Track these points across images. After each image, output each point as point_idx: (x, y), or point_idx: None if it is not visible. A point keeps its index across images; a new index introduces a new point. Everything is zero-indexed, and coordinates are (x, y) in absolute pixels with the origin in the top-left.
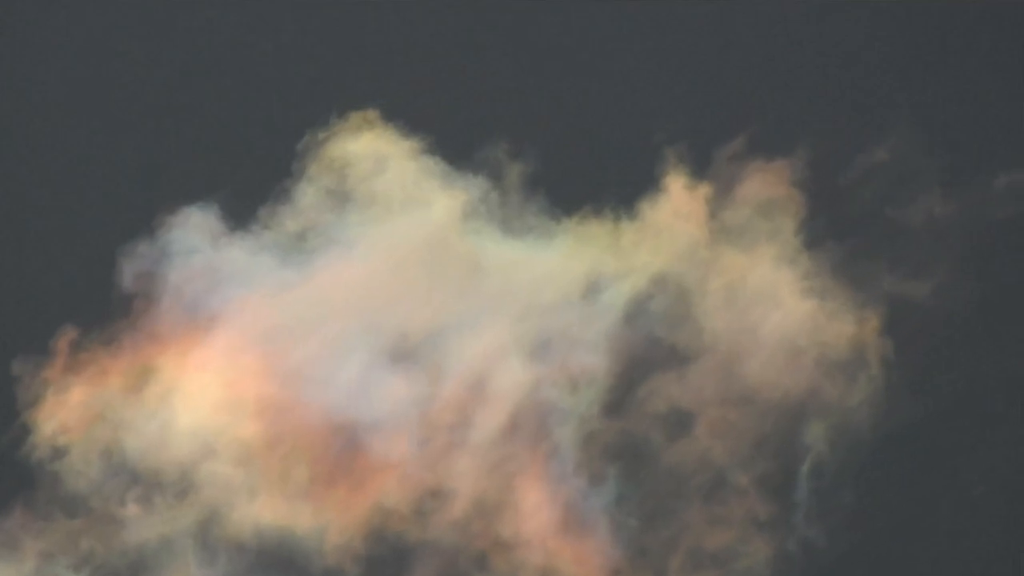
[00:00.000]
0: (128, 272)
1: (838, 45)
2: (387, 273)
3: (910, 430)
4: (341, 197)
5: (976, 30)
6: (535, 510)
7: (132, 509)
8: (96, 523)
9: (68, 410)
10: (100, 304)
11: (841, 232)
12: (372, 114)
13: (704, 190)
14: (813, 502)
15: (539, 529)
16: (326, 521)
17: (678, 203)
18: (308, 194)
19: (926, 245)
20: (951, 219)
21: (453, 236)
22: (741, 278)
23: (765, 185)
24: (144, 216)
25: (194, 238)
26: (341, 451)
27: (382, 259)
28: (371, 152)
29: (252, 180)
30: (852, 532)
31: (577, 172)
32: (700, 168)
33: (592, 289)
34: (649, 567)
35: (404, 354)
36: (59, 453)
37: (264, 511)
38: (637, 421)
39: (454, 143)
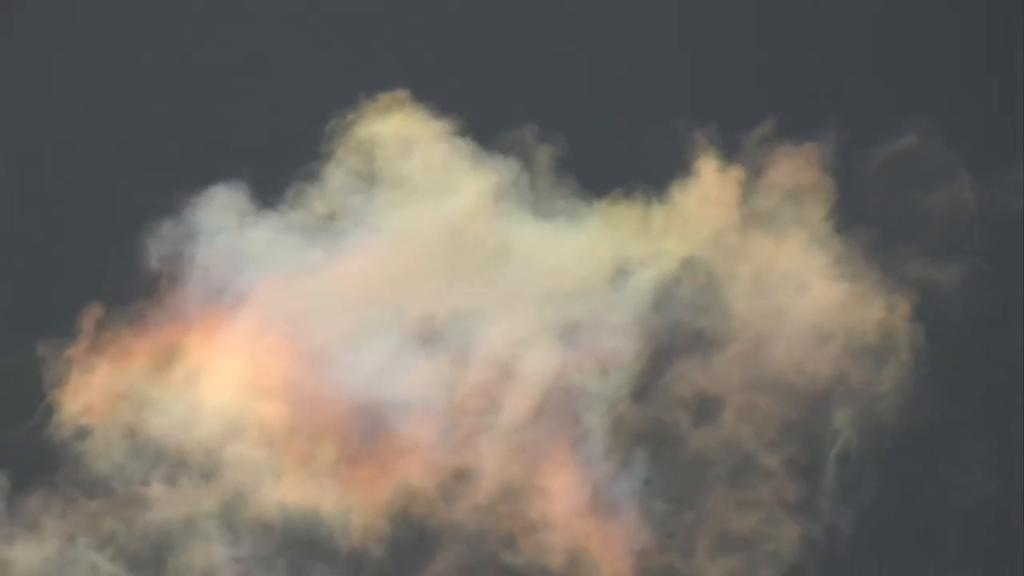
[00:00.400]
0: (154, 252)
1: (867, 28)
2: (415, 255)
3: (938, 418)
4: (369, 178)
5: (1006, 16)
6: (562, 493)
7: (156, 490)
8: (119, 504)
9: (92, 390)
10: (126, 284)
11: (870, 217)
12: (402, 95)
13: (736, 173)
14: (839, 488)
15: (566, 512)
16: (351, 502)
17: (709, 187)
18: (336, 175)
19: (953, 232)
20: (979, 205)
21: (482, 218)
22: (770, 263)
23: (794, 169)
24: (170, 195)
25: (220, 218)
26: (367, 433)
27: (410, 241)
28: (400, 133)
29: (280, 160)
30: (877, 519)
31: (607, 155)
32: (729, 152)
33: (621, 273)
34: (676, 550)
35: (431, 336)
36: (83, 433)
37: (289, 492)
38: (665, 405)
39: (484, 125)
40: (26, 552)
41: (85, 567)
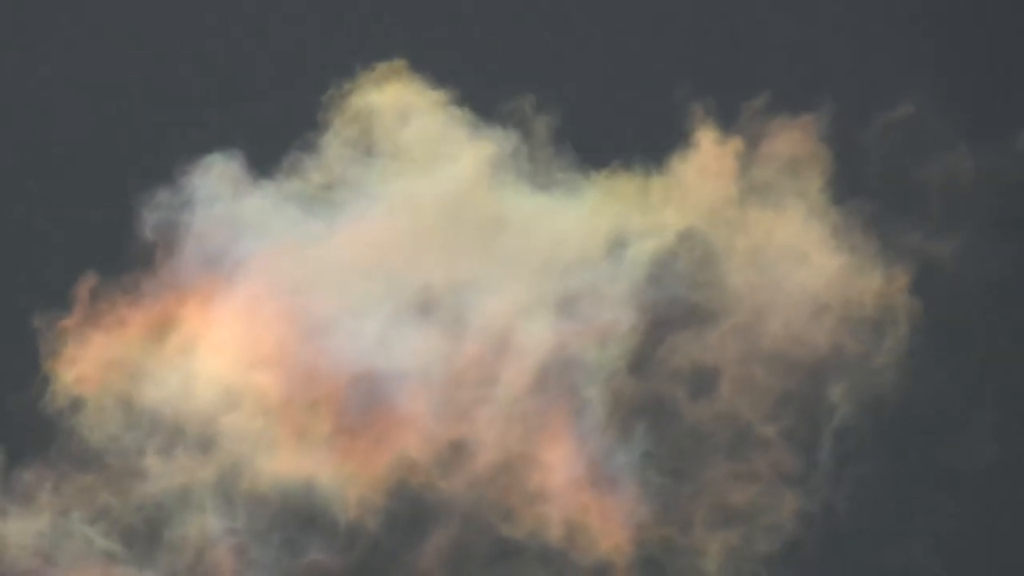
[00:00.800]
0: (149, 221)
1: None
2: (412, 226)
3: (936, 391)
4: (366, 149)
5: None
6: (560, 465)
7: (151, 462)
8: (113, 477)
9: (87, 361)
10: (120, 254)
11: (868, 189)
12: (399, 64)
13: (735, 145)
14: (836, 462)
15: (564, 484)
16: (347, 475)
17: (708, 159)
18: (333, 145)
19: (953, 202)
20: (978, 175)
21: (479, 189)
22: (768, 235)
23: (790, 141)
24: (165, 164)
25: (216, 187)
26: (363, 404)
27: (407, 212)
28: (397, 103)
29: (276, 130)
30: (874, 493)
31: (605, 126)
32: (727, 123)
33: (619, 244)
34: (674, 523)
35: (428, 307)
36: (77, 405)
37: (285, 464)
38: (662, 378)
39: (481, 95)
40: (19, 527)
41: (79, 541)
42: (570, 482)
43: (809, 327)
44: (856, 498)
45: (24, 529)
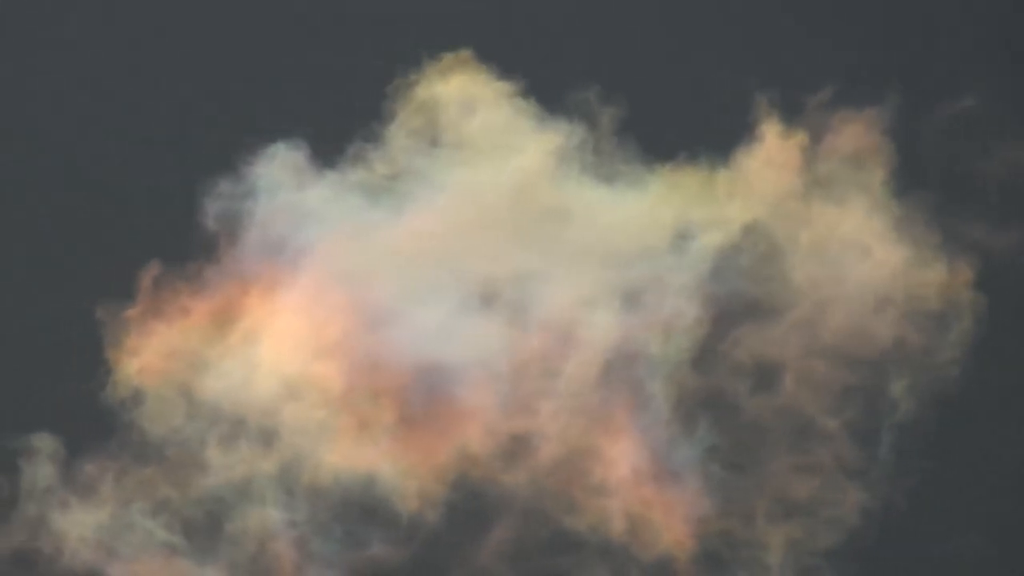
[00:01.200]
0: (212, 211)
1: None
2: (476, 217)
3: (998, 386)
4: (431, 139)
5: None
6: (622, 459)
7: (212, 453)
8: (174, 469)
9: (149, 351)
10: (184, 244)
11: (931, 182)
12: (465, 55)
13: (800, 139)
14: (895, 457)
15: (626, 478)
16: (409, 467)
17: (773, 152)
18: (398, 136)
19: (1015, 194)
20: None
21: (544, 181)
22: (831, 229)
23: (854, 135)
24: (229, 154)
25: (280, 176)
26: (425, 396)
27: (471, 202)
28: (462, 94)
29: (341, 120)
30: (935, 488)
31: (671, 119)
32: (791, 116)
33: (682, 237)
34: (736, 516)
35: (491, 299)
36: (139, 396)
37: (346, 456)
38: (724, 371)
39: (547, 86)
40: (80, 519)
41: (140, 534)
42: (632, 476)
43: (872, 321)
44: (916, 492)
45: (85, 521)
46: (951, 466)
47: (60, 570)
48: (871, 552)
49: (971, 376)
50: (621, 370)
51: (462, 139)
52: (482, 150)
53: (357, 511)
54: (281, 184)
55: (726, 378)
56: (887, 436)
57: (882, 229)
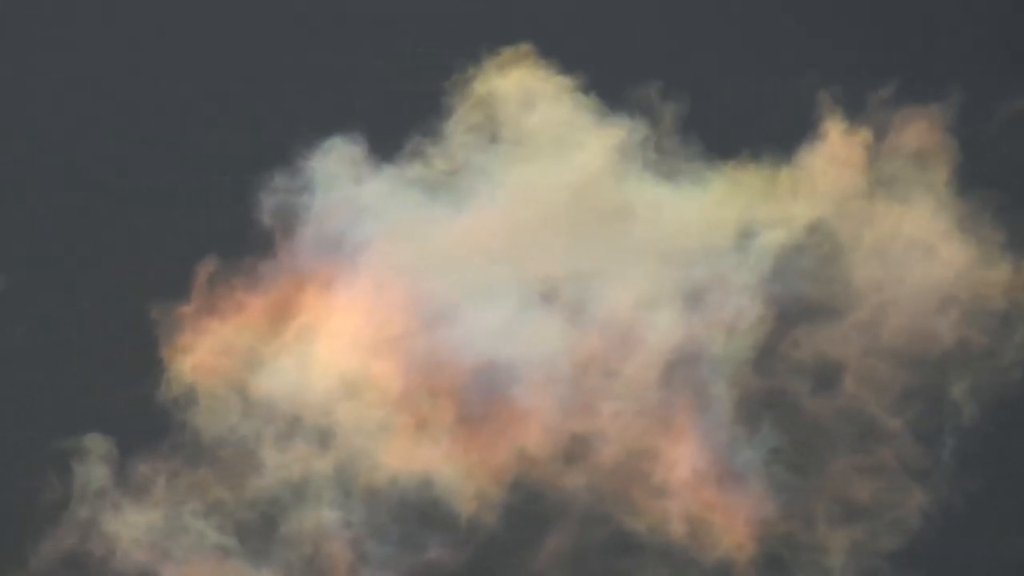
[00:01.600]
0: (268, 205)
1: None
2: (536, 214)
3: None
4: (490, 134)
5: None
6: (683, 460)
7: (267, 453)
8: (228, 469)
9: (203, 349)
10: (239, 239)
11: (995, 179)
12: (525, 49)
13: (863, 136)
14: (956, 461)
15: (687, 480)
16: (467, 468)
17: (836, 150)
18: (456, 131)
19: None
20: None
21: (605, 177)
22: (894, 227)
23: (917, 132)
24: (285, 148)
25: (337, 170)
26: (484, 396)
27: (531, 199)
28: (522, 89)
29: (399, 114)
30: (993, 495)
31: (733, 115)
32: (854, 113)
33: (745, 236)
34: (797, 518)
35: (552, 298)
36: (192, 394)
37: (403, 456)
38: (786, 371)
39: (608, 81)
40: (132, 520)
41: (192, 535)
42: (693, 477)
43: (935, 321)
44: (978, 494)
45: (137, 523)
46: (1013, 468)
47: (111, 573)
48: (933, 555)
49: None
50: (682, 370)
51: (522, 135)
52: (542, 146)
53: (414, 513)
54: (338, 178)
55: (787, 379)
56: (949, 438)
57: (946, 228)
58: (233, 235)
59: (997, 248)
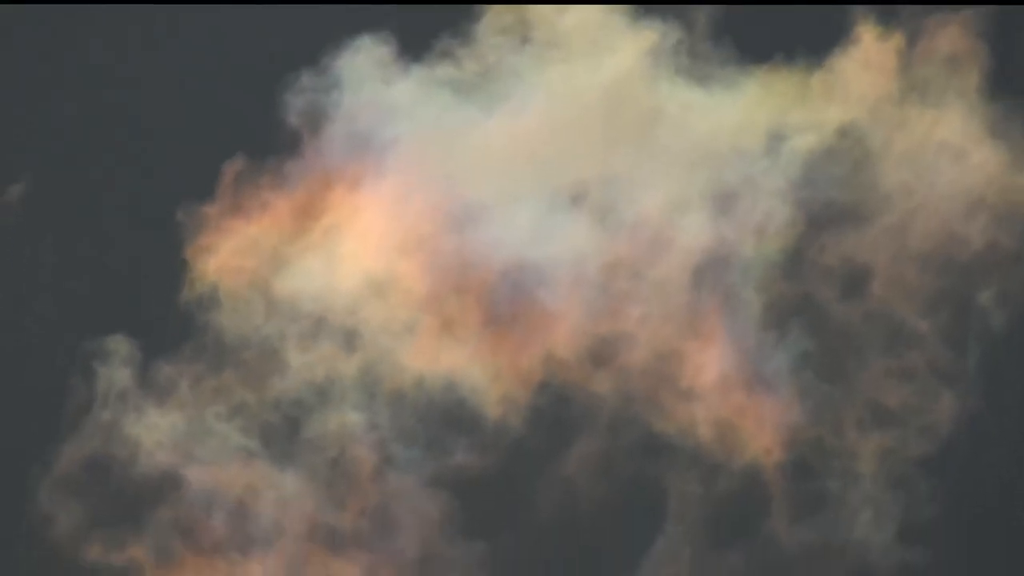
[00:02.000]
0: (295, 104)
1: None
2: (567, 116)
3: None
4: (522, 36)
5: None
6: (712, 365)
7: (291, 354)
8: (252, 371)
9: (228, 249)
10: (265, 139)
11: None
12: None
13: (896, 41)
14: (985, 367)
15: (715, 383)
16: (494, 370)
17: (869, 54)
18: (487, 32)
19: None
20: None
21: (637, 81)
22: (925, 132)
23: (949, 37)
24: (313, 47)
25: (366, 69)
26: (512, 297)
27: (563, 101)
28: None
29: (429, 14)
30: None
31: (766, 20)
32: (887, 18)
33: (776, 140)
34: (826, 424)
35: (582, 201)
36: (217, 295)
37: (429, 358)
38: (816, 276)
39: None
40: (156, 422)
41: (216, 438)
42: (722, 381)
43: (964, 226)
44: (1008, 401)
45: (160, 425)
46: None
47: (135, 476)
48: (962, 461)
49: None
50: (711, 274)
51: (553, 37)
52: (574, 49)
53: (439, 416)
54: (367, 78)
55: (816, 283)
56: (976, 344)
57: (977, 133)
58: (260, 135)
59: None
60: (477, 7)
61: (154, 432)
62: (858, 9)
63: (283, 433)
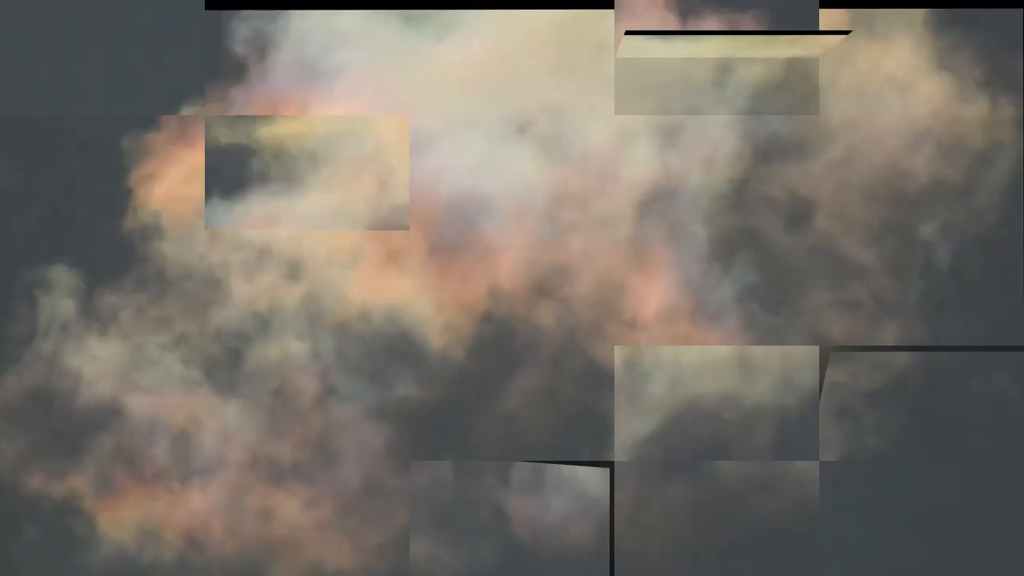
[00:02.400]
0: (240, 31)
1: None
2: (518, 46)
3: None
4: None
5: None
6: (658, 294)
7: (233, 285)
8: (193, 301)
9: (172, 178)
10: (210, 68)
11: (975, 17)
12: None
13: None
14: (929, 299)
15: (661, 313)
16: (437, 301)
17: None
18: None
19: None
20: None
21: (588, 14)
22: (872, 65)
23: None
24: None
25: None
26: (456, 228)
27: (513, 32)
28: None
29: None
30: (966, 332)
31: None
32: None
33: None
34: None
35: (528, 131)
36: (159, 226)
37: (373, 288)
38: (761, 208)
39: None
40: (97, 353)
41: (158, 369)
42: (667, 313)
43: (910, 158)
44: (953, 333)
45: (102, 356)
46: (988, 306)
47: (76, 407)
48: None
49: (1010, 216)
50: (657, 206)
51: None
52: None
53: (383, 346)
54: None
55: (761, 216)
56: (919, 278)
57: (923, 64)
58: (205, 63)
59: (975, 85)
60: None
61: (95, 362)
62: None
63: (225, 363)
